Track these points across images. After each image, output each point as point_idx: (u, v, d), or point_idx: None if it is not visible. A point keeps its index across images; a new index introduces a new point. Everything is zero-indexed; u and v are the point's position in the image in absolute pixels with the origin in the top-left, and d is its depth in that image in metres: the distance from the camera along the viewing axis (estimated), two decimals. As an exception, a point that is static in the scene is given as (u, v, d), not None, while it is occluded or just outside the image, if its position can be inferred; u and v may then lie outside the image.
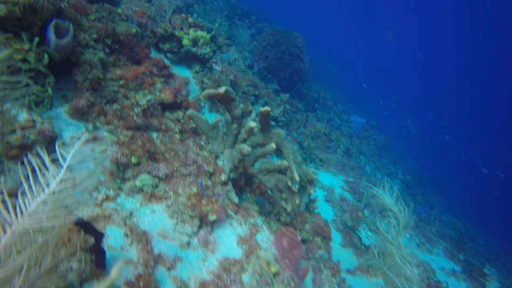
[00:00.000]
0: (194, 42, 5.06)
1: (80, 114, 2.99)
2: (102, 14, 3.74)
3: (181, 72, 5.18)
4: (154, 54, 5.15)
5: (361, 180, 7.79)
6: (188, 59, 5.24)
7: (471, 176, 24.43)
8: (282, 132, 3.18)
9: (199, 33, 4.97)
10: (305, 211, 4.40)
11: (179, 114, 3.63)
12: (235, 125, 3.14)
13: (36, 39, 2.49)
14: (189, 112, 3.13)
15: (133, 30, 3.67)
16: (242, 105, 3.10)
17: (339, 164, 7.62)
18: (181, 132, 3.55)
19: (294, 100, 8.80)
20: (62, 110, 2.98)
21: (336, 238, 5.43)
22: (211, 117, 4.92)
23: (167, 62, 5.17)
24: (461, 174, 23.26)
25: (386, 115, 21.83)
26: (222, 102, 2.96)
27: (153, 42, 4.91)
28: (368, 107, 21.06)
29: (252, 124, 2.90)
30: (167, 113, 3.64)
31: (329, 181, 6.76)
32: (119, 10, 4.20)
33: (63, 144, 2.66)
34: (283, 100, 7.58)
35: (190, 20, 6.58)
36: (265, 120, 3.01)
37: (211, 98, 2.90)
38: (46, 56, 2.52)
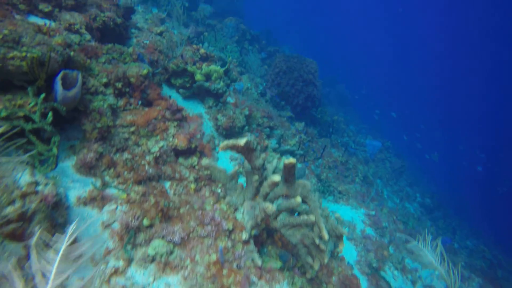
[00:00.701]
0: (207, 76, 4.87)
1: (88, 169, 2.74)
2: (113, 56, 3.57)
3: (194, 108, 4.97)
4: (166, 90, 4.98)
5: (382, 212, 7.35)
6: (201, 93, 5.04)
7: (488, 193, 23.45)
8: (308, 183, 2.86)
9: (212, 67, 4.79)
10: (330, 258, 4.02)
11: (194, 160, 3.36)
12: (256, 176, 2.85)
13: (42, 96, 2.28)
14: (205, 162, 2.86)
15: (145, 72, 3.48)
16: (263, 155, 2.82)
17: (358, 195, 7.22)
18: (196, 180, 3.27)
19: (309, 128, 8.52)
20: (69, 164, 2.74)
21: (363, 282, 4.99)
22: (226, 156, 4.66)
23: (179, 100, 4.98)
24: (477, 192, 22.27)
25: (404, 140, 21.29)
26: (242, 153, 2.68)
27: (165, 78, 4.74)
28: (382, 127, 20.67)
29: (276, 178, 2.60)
30: (180, 159, 3.38)
31: (350, 215, 6.35)
32: (130, 50, 4.05)
33: (68, 207, 2.39)
34: (298, 129, 7.30)
35: (202, 51, 6.45)
36: (290, 172, 2.71)
37: (231, 150, 2.63)
38: (50, 114, 2.30)
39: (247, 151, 2.66)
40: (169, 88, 5.11)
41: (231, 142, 2.58)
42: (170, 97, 4.59)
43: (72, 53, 2.76)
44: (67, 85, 2.59)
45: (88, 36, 4.00)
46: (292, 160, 2.60)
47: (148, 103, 3.68)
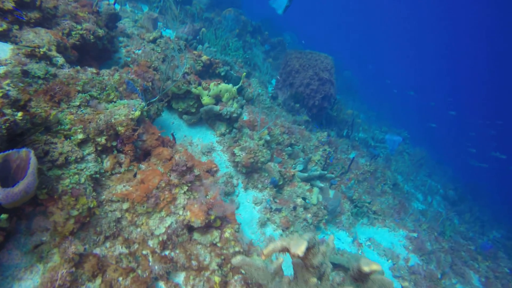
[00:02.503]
0: (217, 98, 3.87)
1: (62, 289, 1.80)
2: (92, 94, 2.57)
3: (203, 137, 3.98)
4: (166, 117, 3.98)
5: (422, 228, 6.45)
6: (210, 118, 4.05)
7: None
8: (387, 280, 1.93)
9: (223, 86, 3.77)
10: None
11: (214, 235, 2.41)
12: (313, 279, 1.91)
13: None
14: (237, 260, 1.91)
15: (137, 114, 2.49)
16: (323, 248, 1.87)
17: (394, 212, 6.30)
18: (220, 267, 2.33)
19: (331, 135, 7.52)
20: (30, 286, 1.80)
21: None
22: (249, 198, 3.70)
23: (183, 128, 3.98)
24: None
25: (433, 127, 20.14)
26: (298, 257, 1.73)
27: (164, 105, 3.74)
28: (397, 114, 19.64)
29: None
30: (196, 235, 2.43)
31: (389, 241, 5.44)
32: (116, 78, 3.04)
33: None
34: (321, 140, 6.32)
35: (204, 57, 5.41)
36: (363, 277, 1.77)
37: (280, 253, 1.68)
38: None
39: (305, 255, 1.71)
40: (170, 113, 4.11)
41: (279, 245, 1.63)
42: (172, 123, 3.63)
43: (19, 115, 1.76)
44: (13, 173, 1.63)
45: (61, 60, 3.00)
46: (374, 266, 1.66)
47: (145, 154, 2.71)
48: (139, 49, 5.20)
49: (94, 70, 2.90)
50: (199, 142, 3.86)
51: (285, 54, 7.91)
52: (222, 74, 6.10)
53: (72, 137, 2.19)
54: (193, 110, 3.88)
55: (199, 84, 3.77)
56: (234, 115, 3.85)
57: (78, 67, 2.91)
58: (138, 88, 3.17)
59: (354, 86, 19.57)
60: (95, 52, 4.17)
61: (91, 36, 3.89)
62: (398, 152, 12.25)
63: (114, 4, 5.37)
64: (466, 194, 13.36)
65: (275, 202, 3.82)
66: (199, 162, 2.85)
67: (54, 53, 3.06)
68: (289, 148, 5.10)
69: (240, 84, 3.91)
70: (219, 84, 3.79)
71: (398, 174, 10.64)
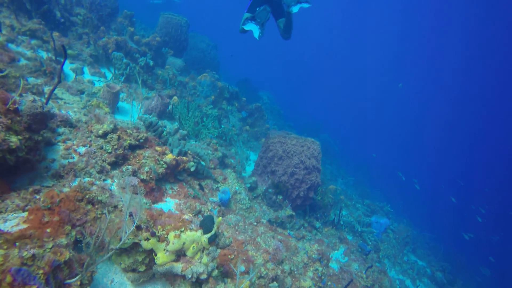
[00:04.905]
0: (179, 252, 2.63)
1: None
2: None
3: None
4: (101, 274, 2.64)
5: None
6: (168, 275, 2.76)
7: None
8: None
9: (188, 235, 2.56)
10: None
11: None
12: None
13: None
14: None
15: None
16: None
17: None
18: None
19: (317, 227, 6.39)
20: None
21: None
22: None
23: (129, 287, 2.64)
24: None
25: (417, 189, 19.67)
26: None
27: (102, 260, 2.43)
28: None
29: None
30: None
31: None
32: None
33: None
34: (312, 257, 5.14)
35: (169, 156, 4.26)
36: None
37: None
38: None
39: None
40: (108, 266, 2.77)
41: None
42: (111, 283, 2.36)
43: None
44: None
45: None
46: None
47: None
48: (83, 146, 3.96)
49: None
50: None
51: (267, 137, 6.97)
52: (192, 169, 4.94)
53: None
54: (143, 269, 2.59)
55: (152, 235, 2.53)
56: (203, 276, 2.60)
57: None
58: (39, 276, 1.87)
59: (331, 149, 19.18)
60: (3, 168, 2.88)
61: (-2, 154, 2.63)
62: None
63: (61, 68, 4.21)
64: (456, 276, 12.40)
65: None
66: None
67: None
68: (275, 283, 3.84)
69: (214, 230, 2.72)
70: (181, 233, 2.57)
71: (386, 258, 9.66)
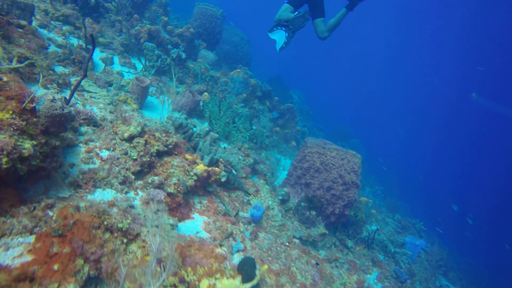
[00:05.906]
0: (211, 302, 2.11)
1: None
2: None
3: None
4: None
5: None
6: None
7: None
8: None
9: (225, 284, 2.04)
10: None
11: None
12: None
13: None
14: None
15: None
16: None
17: None
18: None
19: (349, 247, 5.75)
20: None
21: None
22: None
23: None
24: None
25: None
26: None
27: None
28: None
29: None
30: None
31: None
32: None
33: None
34: (350, 290, 4.52)
35: (200, 167, 3.76)
36: None
37: None
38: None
39: None
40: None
41: None
42: None
43: None
44: None
45: None
46: None
47: None
48: (106, 149, 3.53)
49: None
50: None
51: (304, 145, 6.36)
52: (223, 180, 4.43)
53: None
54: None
55: (181, 281, 2.02)
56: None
57: None
58: None
59: (361, 155, 18.20)
60: (13, 178, 2.47)
61: (4, 160, 2.20)
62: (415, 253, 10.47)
63: (87, 62, 3.83)
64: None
65: None
66: None
67: None
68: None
69: (256, 280, 2.17)
70: (216, 281, 2.05)
71: (417, 282, 8.84)
